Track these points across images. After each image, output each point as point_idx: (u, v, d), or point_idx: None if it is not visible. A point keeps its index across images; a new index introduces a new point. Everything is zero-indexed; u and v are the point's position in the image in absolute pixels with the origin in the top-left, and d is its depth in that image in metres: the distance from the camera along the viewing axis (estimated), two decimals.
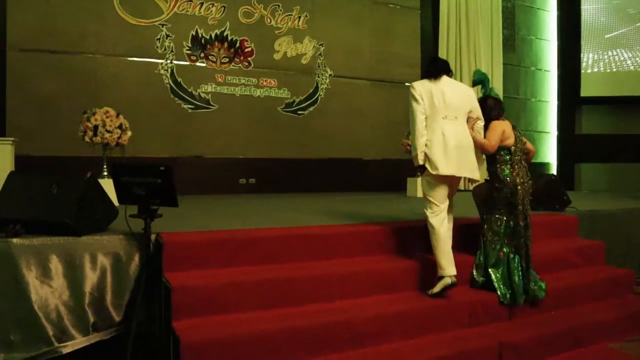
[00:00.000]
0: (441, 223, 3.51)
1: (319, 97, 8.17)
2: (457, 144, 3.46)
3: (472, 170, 3.56)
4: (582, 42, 9.90)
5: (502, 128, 3.72)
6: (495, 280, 3.72)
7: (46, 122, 6.33)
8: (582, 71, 9.91)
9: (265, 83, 7.77)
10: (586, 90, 9.87)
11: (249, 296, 3.07)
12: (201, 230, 3.64)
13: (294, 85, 7.97)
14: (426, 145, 3.46)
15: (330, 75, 8.23)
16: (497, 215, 3.80)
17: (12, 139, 5.25)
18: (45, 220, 3.08)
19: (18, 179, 3.29)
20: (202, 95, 7.33)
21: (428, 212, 3.55)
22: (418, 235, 3.96)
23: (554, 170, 10.07)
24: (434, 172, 3.44)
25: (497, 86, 9.14)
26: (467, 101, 3.60)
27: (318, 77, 8.15)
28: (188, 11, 7.22)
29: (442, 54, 8.49)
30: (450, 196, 3.67)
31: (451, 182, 3.61)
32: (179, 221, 3.90)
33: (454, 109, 3.51)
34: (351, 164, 8.35)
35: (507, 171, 3.75)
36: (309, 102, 8.10)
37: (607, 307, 4.00)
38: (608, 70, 9.85)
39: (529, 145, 3.93)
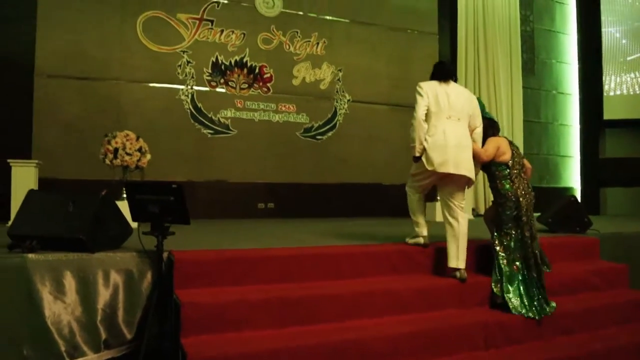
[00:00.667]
0: (415, 192, 3.95)
1: (338, 122, 8.22)
2: (457, 143, 3.66)
3: (469, 169, 3.72)
4: (604, 65, 9.80)
5: (499, 143, 3.92)
6: (510, 295, 3.70)
7: (70, 145, 6.49)
8: (605, 94, 9.79)
9: (284, 108, 7.86)
10: (609, 113, 9.73)
11: (259, 314, 3.05)
12: (213, 248, 3.65)
13: (312, 111, 8.03)
14: (426, 140, 3.66)
15: (348, 100, 8.28)
16: (505, 230, 3.87)
17: (36, 161, 5.42)
18: (60, 236, 3.16)
19: (36, 197, 3.39)
20: (222, 120, 7.45)
21: (407, 187, 4.00)
22: (431, 256, 3.93)
23: (578, 195, 9.87)
24: (429, 168, 3.65)
25: (517, 110, 9.11)
26: (469, 105, 3.83)
27: (336, 102, 8.21)
28: (209, 38, 7.41)
29: (460, 78, 8.49)
30: (458, 202, 3.75)
31: (449, 181, 3.72)
32: (192, 240, 3.92)
33: (457, 111, 3.73)
34: (370, 189, 8.30)
35: (508, 185, 3.88)
36: (327, 127, 8.15)
37: (630, 332, 3.86)
38: (631, 93, 9.70)
39: (526, 163, 4.06)
